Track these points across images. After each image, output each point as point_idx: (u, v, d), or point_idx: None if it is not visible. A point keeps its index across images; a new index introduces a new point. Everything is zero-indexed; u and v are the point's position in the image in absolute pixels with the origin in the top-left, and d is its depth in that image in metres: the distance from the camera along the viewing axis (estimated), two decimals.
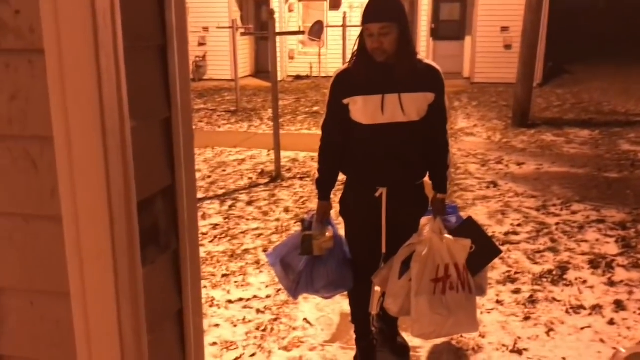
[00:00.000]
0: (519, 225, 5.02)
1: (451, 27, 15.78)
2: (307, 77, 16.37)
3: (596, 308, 3.56)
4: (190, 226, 1.28)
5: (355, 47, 2.67)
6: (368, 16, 2.53)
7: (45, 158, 1.02)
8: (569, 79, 15.66)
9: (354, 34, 13.05)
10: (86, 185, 0.98)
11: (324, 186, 2.85)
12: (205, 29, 15.10)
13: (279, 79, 6.86)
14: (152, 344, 1.15)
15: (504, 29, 14.40)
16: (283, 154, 6.88)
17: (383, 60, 2.55)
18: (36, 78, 0.99)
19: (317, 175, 2.88)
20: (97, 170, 0.97)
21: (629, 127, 9.42)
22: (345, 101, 2.64)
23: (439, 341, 3.17)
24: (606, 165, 7.08)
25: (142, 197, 1.09)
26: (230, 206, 5.61)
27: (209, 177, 6.67)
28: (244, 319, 3.49)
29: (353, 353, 3.09)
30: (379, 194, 2.73)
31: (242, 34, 13.73)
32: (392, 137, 2.65)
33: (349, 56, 2.76)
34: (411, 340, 3.11)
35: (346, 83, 2.66)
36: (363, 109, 2.61)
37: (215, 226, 5.04)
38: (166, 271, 1.22)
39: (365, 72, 2.61)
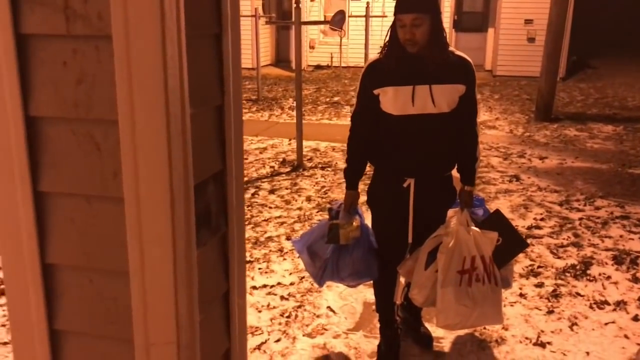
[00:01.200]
0: (542, 219, 5.00)
1: (474, 19, 15.65)
2: (328, 66, 16.35)
3: (620, 304, 3.56)
4: (238, 210, 1.31)
5: (387, 38, 2.68)
6: (401, 7, 2.54)
7: (109, 141, 1.06)
8: (592, 74, 15.48)
9: (376, 24, 13.09)
10: (149, 168, 1.02)
11: (352, 175, 2.87)
12: None
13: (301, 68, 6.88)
14: (203, 322, 1.19)
15: (528, 21, 14.24)
16: (304, 143, 6.91)
17: (415, 52, 2.56)
18: (102, 63, 1.03)
19: (345, 165, 2.90)
20: (160, 154, 1.00)
21: None
22: (376, 92, 2.65)
23: (462, 332, 3.19)
24: (630, 161, 7.02)
25: (197, 181, 1.13)
26: (253, 194, 5.66)
27: (243, 165, 6.71)
28: (268, 305, 3.54)
29: (376, 341, 3.13)
30: (407, 184, 2.74)
31: (266, 23, 13.75)
32: (421, 129, 2.66)
33: (371, 47, 2.77)
34: (434, 330, 3.14)
35: (377, 74, 2.67)
36: (393, 100, 2.63)
37: None
38: (216, 253, 1.26)
39: (396, 63, 2.62)
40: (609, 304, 3.56)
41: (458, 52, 2.69)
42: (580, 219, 5.02)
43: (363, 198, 2.95)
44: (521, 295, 3.65)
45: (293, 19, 6.65)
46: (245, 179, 6.19)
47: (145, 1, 0.95)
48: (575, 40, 14.90)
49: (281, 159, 6.96)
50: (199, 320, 1.17)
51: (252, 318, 3.39)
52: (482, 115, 9.69)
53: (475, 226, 2.76)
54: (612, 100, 11.58)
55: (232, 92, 1.23)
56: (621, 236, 4.64)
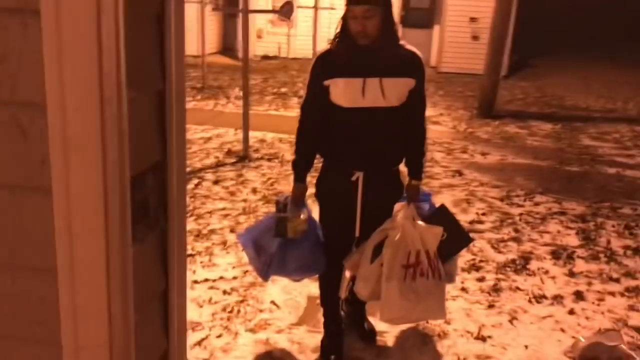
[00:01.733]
0: (483, 214, 5.10)
1: (421, 15, 15.80)
2: (275, 57, 16.21)
3: (557, 298, 3.66)
4: (179, 204, 1.23)
5: (338, 29, 2.63)
6: None
7: (36, 126, 0.96)
8: (532, 73, 15.94)
9: (324, 16, 13.01)
10: (80, 156, 0.93)
11: (300, 168, 2.82)
12: None
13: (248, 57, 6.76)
14: (138, 323, 1.11)
15: (473, 19, 14.52)
16: (251, 134, 6.80)
17: (366, 44, 2.52)
18: (29, 40, 0.93)
19: (293, 156, 2.85)
20: (93, 142, 0.92)
21: (590, 122, 9.66)
22: (326, 83, 2.61)
23: (405, 326, 3.20)
24: (567, 159, 7.25)
25: (134, 172, 1.05)
26: (196, 185, 5.52)
27: (186, 156, 6.53)
28: (210, 300, 3.45)
29: (320, 336, 3.09)
30: (355, 178, 2.72)
31: (213, 9, 13.48)
32: (371, 121, 2.64)
33: (319, 39, 2.73)
34: (378, 324, 3.13)
35: (328, 64, 2.62)
36: (344, 92, 2.59)
37: None
38: (154, 250, 1.18)
39: (347, 55, 2.58)
40: (546, 298, 3.65)
41: (409, 46, 2.68)
42: (521, 214, 5.15)
43: (310, 190, 2.91)
44: (463, 289, 3.70)
45: (240, 7, 6.51)
46: (189, 169, 6.04)
47: None
48: (518, 40, 15.31)
49: (226, 150, 6.83)
50: (135, 321, 1.09)
51: (193, 313, 3.29)
52: (427, 111, 9.79)
53: (421, 220, 2.76)
54: (551, 99, 11.96)
55: (175, 77, 1.15)
56: (559, 231, 4.78)
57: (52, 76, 0.90)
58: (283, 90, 11.31)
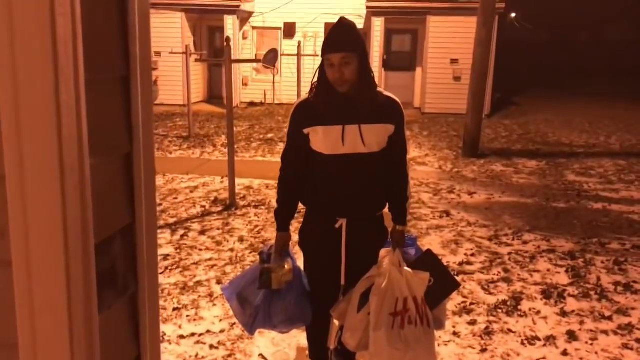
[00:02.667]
0: (472, 255, 5.07)
1: (402, 58, 16.11)
2: (262, 103, 16.35)
3: (550, 339, 3.60)
4: (150, 267, 1.20)
5: (315, 78, 2.65)
6: (329, 46, 2.53)
7: None
8: (515, 110, 16.18)
9: (308, 62, 13.24)
10: (40, 227, 0.90)
11: (283, 217, 2.80)
12: (157, 53, 14.92)
13: (233, 105, 6.80)
14: None
15: (454, 61, 14.79)
16: (237, 181, 6.78)
17: (344, 91, 2.54)
18: None
19: (276, 206, 2.82)
20: (53, 211, 0.89)
21: (574, 157, 9.76)
22: (306, 131, 2.61)
23: None
24: (554, 195, 7.28)
25: (100, 239, 1.02)
26: (182, 236, 5.46)
27: (160, 205, 6.50)
28: (196, 356, 3.36)
29: None
30: (339, 225, 2.69)
31: (197, 60, 13.65)
32: (352, 168, 2.63)
33: (303, 84, 2.75)
34: None
35: (307, 113, 2.63)
36: (323, 139, 2.59)
37: (166, 257, 4.89)
38: (123, 316, 1.14)
39: (325, 103, 2.59)
40: (539, 340, 3.59)
41: (386, 93, 2.70)
42: (510, 253, 5.12)
43: (295, 238, 2.87)
44: (454, 334, 3.64)
45: (224, 57, 6.58)
46: (175, 219, 5.99)
47: (36, 41, 0.85)
48: (499, 79, 15.59)
49: (213, 198, 6.80)
50: None
51: None
52: (412, 152, 9.87)
53: (408, 266, 2.72)
54: (535, 136, 12.10)
55: (142, 139, 1.13)
56: (548, 270, 4.75)
57: (10, 147, 0.88)
58: (269, 136, 11.36)
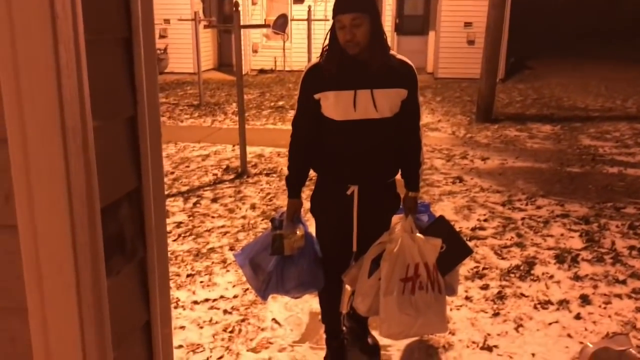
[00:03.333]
0: (485, 220, 5.04)
1: (415, 22, 15.85)
2: (272, 70, 16.23)
3: (563, 303, 3.59)
4: (158, 232, 1.19)
5: (326, 41, 2.60)
6: (339, 7, 2.46)
7: None
8: (529, 75, 15.93)
9: (318, 27, 13.05)
10: (44, 190, 0.89)
11: (294, 183, 2.78)
12: (167, 21, 14.80)
13: (243, 72, 6.74)
14: (119, 359, 1.06)
15: (467, 24, 14.53)
16: (248, 149, 6.77)
17: (355, 54, 2.48)
18: None
19: (287, 173, 2.81)
20: (57, 174, 0.88)
21: (589, 122, 9.62)
22: (317, 96, 2.57)
23: (409, 340, 3.14)
24: (568, 160, 7.20)
25: (106, 203, 1.00)
26: (195, 203, 5.48)
27: (172, 173, 6.52)
28: (210, 320, 3.40)
29: (323, 353, 3.04)
30: (351, 191, 2.67)
31: (205, 27, 13.52)
32: (364, 134, 2.59)
33: (314, 50, 2.70)
34: (381, 339, 3.07)
35: (317, 78, 2.58)
36: (335, 105, 2.55)
37: (179, 224, 4.92)
38: (132, 282, 1.14)
39: (337, 67, 2.54)
40: (552, 304, 3.59)
41: (399, 56, 2.64)
42: (523, 218, 5.09)
43: (307, 205, 2.86)
44: (467, 298, 3.64)
45: (234, 23, 6.50)
46: (187, 187, 6.00)
47: (32, 4, 0.83)
48: (513, 42, 15.31)
49: (224, 166, 6.80)
50: (114, 357, 1.04)
51: (193, 335, 3.24)
52: (425, 118, 9.78)
53: (420, 232, 2.71)
54: (549, 100, 11.92)
55: (147, 102, 1.11)
56: (562, 234, 4.72)
57: (11, 109, 0.86)
58: (280, 103, 11.30)
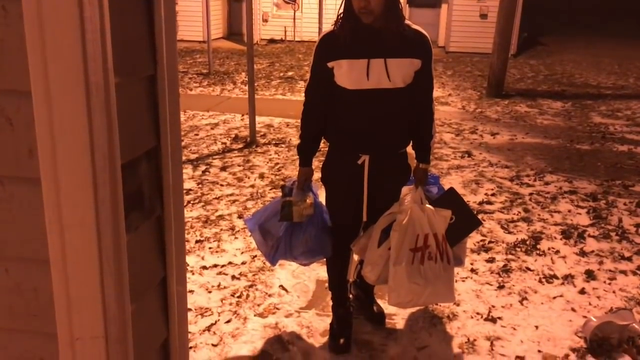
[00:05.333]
0: (493, 195, 5.05)
1: None
2: (282, 40, 16.11)
3: (568, 277, 3.62)
4: (175, 191, 1.21)
5: (341, 9, 2.58)
6: None
7: (21, 115, 0.94)
8: (541, 51, 15.75)
9: None
10: (67, 145, 0.90)
11: (305, 151, 2.79)
12: None
13: (253, 42, 6.70)
14: (135, 313, 1.09)
15: None
16: (257, 119, 6.77)
17: (370, 23, 2.46)
18: (10, 27, 0.90)
19: (298, 141, 2.82)
20: (80, 129, 0.89)
21: (600, 99, 9.54)
22: (330, 65, 2.56)
23: (414, 309, 3.18)
24: (578, 137, 7.16)
25: (126, 160, 1.02)
26: (204, 171, 5.51)
27: (181, 141, 6.52)
28: (218, 285, 3.45)
29: (329, 320, 3.08)
30: (362, 161, 2.68)
31: None
32: (376, 104, 2.59)
33: (325, 20, 2.68)
34: (387, 307, 3.11)
35: (331, 46, 2.57)
36: (348, 74, 2.54)
37: (188, 191, 4.95)
38: (150, 238, 1.16)
39: (351, 35, 2.52)
40: (557, 278, 3.61)
41: (414, 26, 2.61)
42: (530, 194, 5.09)
43: (317, 175, 2.88)
44: (472, 270, 3.67)
45: None
46: (196, 155, 6.03)
47: None
48: (526, 17, 15.11)
49: (233, 135, 6.80)
50: (131, 311, 1.07)
51: (201, 299, 3.29)
52: (435, 92, 9.66)
53: (430, 204, 2.72)
54: (561, 77, 11.81)
55: (166, 62, 1.12)
56: (569, 211, 4.72)
57: (35, 63, 0.87)
58: (289, 74, 11.24)
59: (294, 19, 15.76)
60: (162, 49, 1.11)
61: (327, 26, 2.66)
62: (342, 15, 2.56)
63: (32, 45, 0.87)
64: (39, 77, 0.88)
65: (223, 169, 5.59)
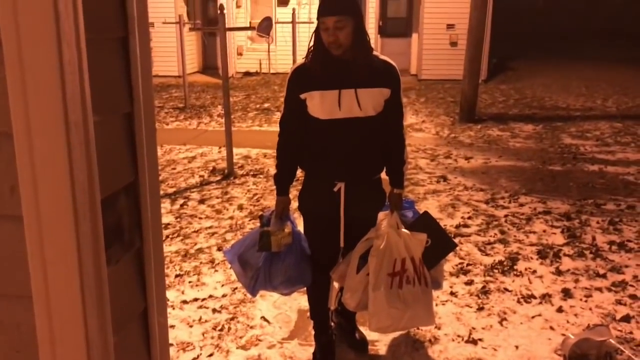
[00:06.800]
0: (469, 218, 5.13)
1: (398, 24, 15.98)
2: (257, 73, 16.26)
3: (545, 297, 3.68)
4: (154, 223, 1.24)
5: (311, 43, 2.66)
6: (323, 10, 2.53)
7: (3, 154, 0.97)
8: (511, 75, 16.12)
9: (302, 30, 13.11)
10: (49, 182, 0.93)
11: (282, 181, 2.83)
12: (151, 24, 14.76)
13: (228, 75, 6.78)
14: (118, 345, 1.11)
15: (450, 26, 14.68)
16: (235, 150, 6.81)
17: (339, 55, 2.55)
18: None
19: (275, 171, 2.86)
20: (60, 167, 0.93)
21: (570, 121, 9.78)
22: (303, 96, 2.63)
23: (396, 334, 3.20)
24: (550, 159, 7.33)
25: (105, 194, 1.05)
26: (182, 205, 5.51)
27: (159, 175, 6.52)
28: (200, 319, 3.44)
29: (312, 349, 3.09)
30: (337, 188, 2.73)
31: (191, 29, 13.53)
32: (349, 132, 2.66)
33: (299, 53, 2.76)
34: (369, 334, 3.13)
35: (303, 78, 2.65)
36: (320, 104, 2.61)
37: (166, 225, 4.94)
38: (130, 270, 1.18)
39: (321, 67, 2.60)
40: (535, 298, 3.67)
41: (382, 57, 2.71)
42: (506, 216, 5.18)
43: (295, 204, 2.92)
44: (452, 293, 3.71)
45: (218, 26, 6.54)
46: (174, 189, 6.03)
47: (37, 3, 0.88)
48: (495, 44, 15.49)
49: (211, 168, 6.83)
50: (114, 342, 1.09)
51: (183, 333, 3.28)
52: (409, 118, 9.88)
53: (405, 228, 2.77)
54: (531, 100, 12.09)
55: (142, 99, 1.16)
56: (544, 231, 4.82)
57: (16, 104, 0.91)
58: (266, 105, 11.34)
59: (269, 51, 15.96)
60: (138, 87, 1.15)
61: (301, 57, 2.74)
62: (312, 48, 2.64)
63: (13, 87, 0.91)
64: (20, 118, 0.91)
65: (201, 201, 5.60)
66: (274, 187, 2.89)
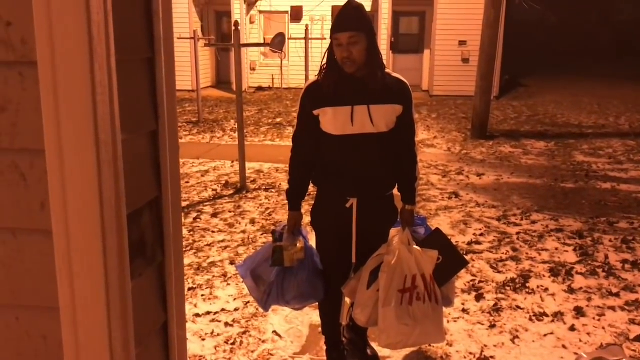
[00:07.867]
0: (481, 235, 5.12)
1: (410, 41, 16.07)
2: (269, 88, 16.39)
3: (558, 315, 3.67)
4: (175, 238, 1.27)
5: (324, 60, 2.70)
6: (337, 26, 2.57)
7: (35, 171, 1.01)
8: (523, 92, 16.12)
9: (315, 46, 13.22)
10: (78, 198, 0.97)
11: (294, 197, 2.86)
12: None
13: (242, 90, 6.86)
14: (139, 357, 1.14)
15: (462, 42, 14.73)
16: (247, 165, 6.86)
17: (352, 71, 2.59)
18: (27, 90, 0.98)
19: (287, 187, 2.90)
20: (90, 183, 0.96)
21: (582, 138, 9.76)
22: (316, 112, 2.67)
23: (407, 351, 3.21)
24: (562, 176, 7.31)
25: (131, 210, 1.09)
26: (195, 218, 5.56)
27: (181, 191, 6.57)
28: (212, 333, 3.46)
29: None
30: (350, 204, 2.75)
31: (205, 45, 13.69)
32: (361, 148, 2.69)
33: (311, 68, 2.80)
34: (380, 350, 3.14)
35: (316, 95, 2.69)
36: (333, 120, 2.65)
37: None
38: (152, 284, 1.21)
39: (334, 84, 2.64)
40: (547, 316, 3.66)
41: (395, 74, 2.74)
42: (518, 233, 5.18)
43: (307, 219, 2.94)
44: (464, 310, 3.71)
45: (232, 42, 6.63)
46: (187, 203, 6.08)
47: (72, 26, 0.92)
48: (507, 60, 15.52)
49: (224, 182, 6.88)
50: (136, 355, 1.12)
51: (195, 347, 3.30)
52: (421, 134, 9.90)
53: (417, 244, 2.79)
54: (543, 117, 12.08)
55: (167, 117, 1.20)
56: (556, 249, 4.80)
57: (49, 123, 0.95)
58: (278, 120, 11.41)
59: (281, 67, 16.08)
60: (164, 105, 1.19)
61: (313, 73, 2.78)
62: (325, 65, 2.68)
63: (47, 107, 0.95)
64: (53, 136, 0.95)
65: (214, 215, 5.64)
66: (286, 201, 2.92)
